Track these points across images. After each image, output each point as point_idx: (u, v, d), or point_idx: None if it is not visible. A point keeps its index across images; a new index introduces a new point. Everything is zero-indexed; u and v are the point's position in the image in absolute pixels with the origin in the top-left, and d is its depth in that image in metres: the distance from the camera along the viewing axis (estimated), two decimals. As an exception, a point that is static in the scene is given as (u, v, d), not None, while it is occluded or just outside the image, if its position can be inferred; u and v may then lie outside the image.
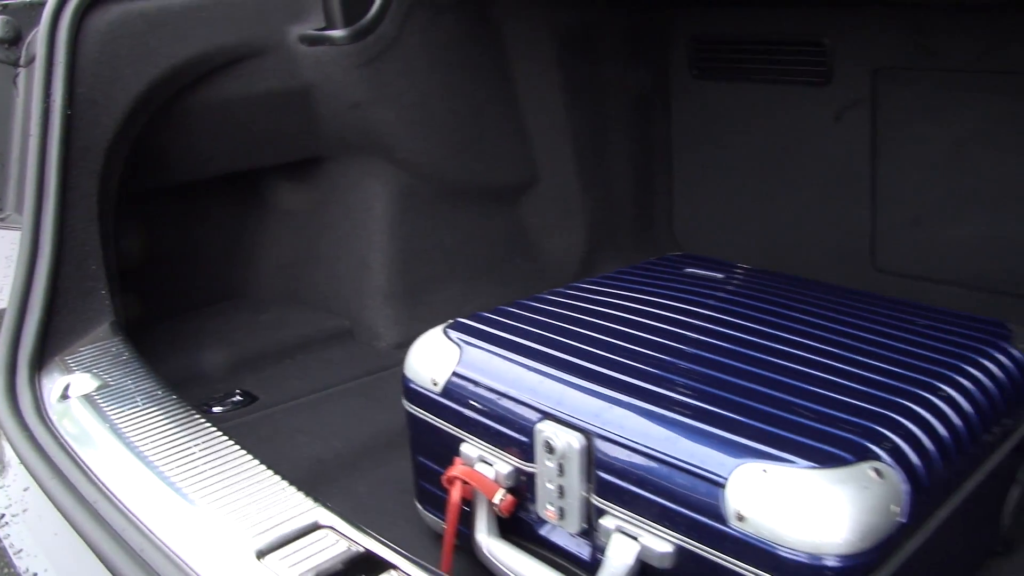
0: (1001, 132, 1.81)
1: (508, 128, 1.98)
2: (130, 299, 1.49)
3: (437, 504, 1.12)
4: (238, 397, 1.61)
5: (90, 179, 1.36)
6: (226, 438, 0.94)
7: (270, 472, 0.87)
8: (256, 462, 0.89)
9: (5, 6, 1.65)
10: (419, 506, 1.20)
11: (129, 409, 1.03)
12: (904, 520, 0.81)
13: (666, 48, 2.18)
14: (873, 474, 0.80)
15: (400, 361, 1.16)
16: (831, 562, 0.77)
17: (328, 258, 1.94)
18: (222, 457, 0.90)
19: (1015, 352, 1.08)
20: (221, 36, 1.67)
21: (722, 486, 0.81)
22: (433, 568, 0.72)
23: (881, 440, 0.84)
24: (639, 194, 2.22)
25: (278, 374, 1.73)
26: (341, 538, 0.76)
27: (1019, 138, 1.80)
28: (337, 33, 1.71)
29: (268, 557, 0.74)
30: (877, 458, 0.82)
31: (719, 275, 1.33)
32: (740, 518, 0.80)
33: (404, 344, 1.19)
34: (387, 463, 1.39)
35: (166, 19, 1.58)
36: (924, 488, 0.84)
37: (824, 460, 0.80)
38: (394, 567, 0.72)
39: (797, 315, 1.15)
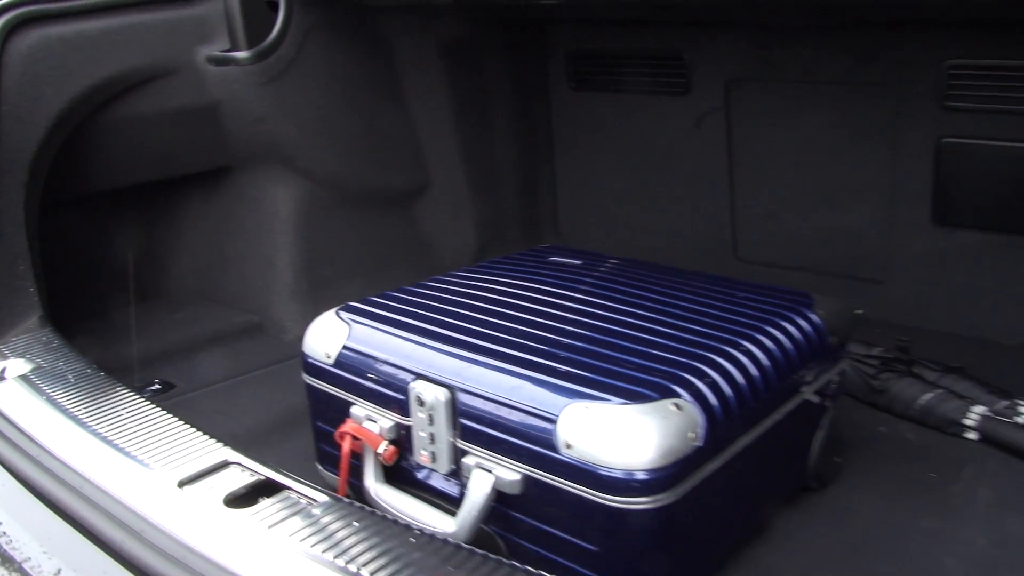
0: (836, 135, 2.06)
1: (401, 138, 2.16)
2: (54, 298, 1.64)
3: (334, 463, 1.30)
4: (157, 385, 1.77)
5: (17, 189, 1.51)
6: (148, 402, 1.11)
7: (186, 424, 1.04)
8: (174, 417, 1.05)
9: None
10: (319, 467, 1.38)
11: (62, 385, 1.18)
12: (700, 444, 1.02)
13: (545, 62, 2.39)
14: (674, 408, 1.01)
15: (291, 361, 1.35)
16: (640, 475, 0.97)
17: (238, 260, 2.09)
18: (145, 416, 1.07)
19: (813, 317, 1.30)
20: (134, 58, 1.82)
21: (554, 422, 1.01)
22: (320, 487, 0.90)
23: (683, 383, 1.05)
24: (525, 196, 2.43)
25: (193, 365, 1.88)
26: (246, 470, 0.94)
27: (851, 140, 2.04)
28: (241, 54, 1.87)
29: (187, 486, 0.91)
30: (678, 396, 1.03)
31: (578, 262, 1.54)
32: (568, 446, 1.00)
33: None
34: (293, 438, 1.56)
35: (83, 43, 1.73)
36: (719, 422, 1.05)
37: (633, 398, 1.01)
38: (288, 488, 0.90)
39: (633, 291, 1.36)
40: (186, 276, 2.13)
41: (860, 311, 1.45)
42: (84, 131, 1.74)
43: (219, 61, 1.89)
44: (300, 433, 1.48)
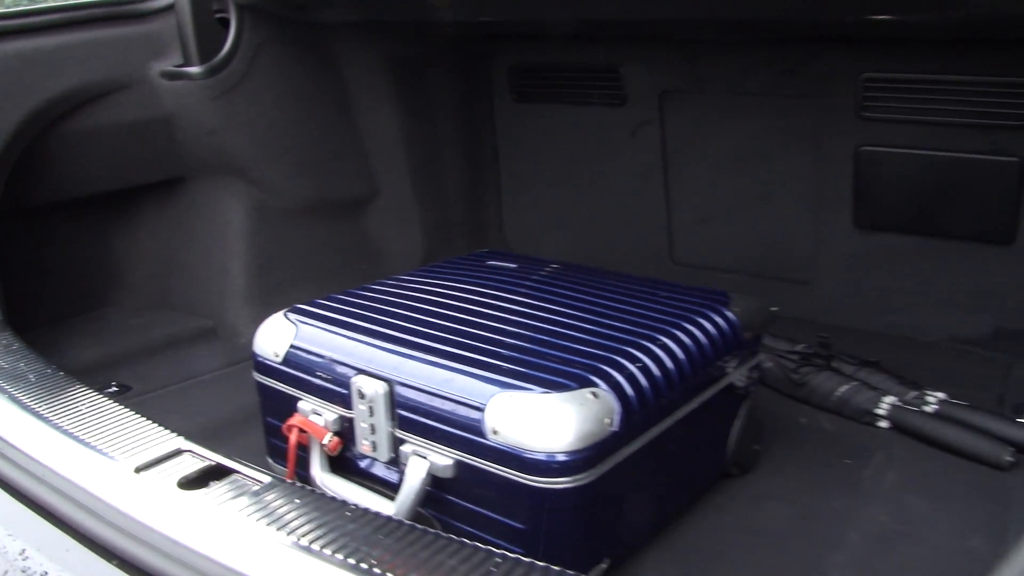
0: (763, 143, 2.18)
1: (350, 149, 2.24)
2: (13, 304, 1.70)
3: (282, 455, 1.38)
4: (114, 387, 1.84)
5: None
6: (106, 398, 1.18)
7: (142, 417, 1.12)
8: (130, 412, 1.13)
9: None
10: (269, 460, 1.46)
11: (23, 384, 1.25)
12: (616, 429, 1.12)
13: (489, 76, 2.49)
14: (591, 396, 1.11)
15: (242, 366, 1.43)
16: (560, 457, 1.07)
17: (192, 267, 2.16)
18: (102, 411, 1.14)
19: (728, 314, 1.41)
20: (90, 73, 1.89)
21: (482, 411, 1.11)
22: (266, 471, 0.99)
23: (601, 374, 1.15)
24: (470, 203, 2.53)
25: (150, 368, 1.95)
26: (198, 457, 1.02)
27: (777, 148, 2.16)
28: (194, 69, 1.95)
29: (143, 472, 0.99)
30: (596, 386, 1.13)
31: (513, 266, 1.64)
32: (495, 432, 1.09)
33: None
34: (245, 434, 1.63)
35: (40, 58, 1.79)
36: (634, 409, 1.15)
37: (554, 387, 1.10)
38: (237, 472, 0.99)
39: (562, 292, 1.46)
40: (142, 283, 2.20)
41: (775, 309, 1.56)
42: (42, 143, 1.81)
43: (172, 76, 1.97)
44: (251, 430, 1.56)
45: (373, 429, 1.23)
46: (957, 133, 1.92)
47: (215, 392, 1.84)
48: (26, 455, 1.06)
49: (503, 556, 0.81)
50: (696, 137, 2.26)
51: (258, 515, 0.89)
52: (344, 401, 1.26)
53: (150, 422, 1.10)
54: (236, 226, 2.11)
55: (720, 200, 2.28)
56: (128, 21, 1.98)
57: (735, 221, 2.28)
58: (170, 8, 1.97)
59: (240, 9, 1.97)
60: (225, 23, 2.00)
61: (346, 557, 0.81)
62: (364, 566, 0.80)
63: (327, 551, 0.82)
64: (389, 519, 0.90)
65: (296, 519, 0.88)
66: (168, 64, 1.98)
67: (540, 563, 0.81)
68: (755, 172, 2.21)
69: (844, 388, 1.75)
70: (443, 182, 2.44)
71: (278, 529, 0.86)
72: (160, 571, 0.84)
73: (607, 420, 1.11)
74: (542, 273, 1.60)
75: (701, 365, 1.31)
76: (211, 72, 1.95)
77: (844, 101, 2.01)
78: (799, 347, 1.87)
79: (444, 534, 0.87)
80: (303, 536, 0.85)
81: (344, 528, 0.86)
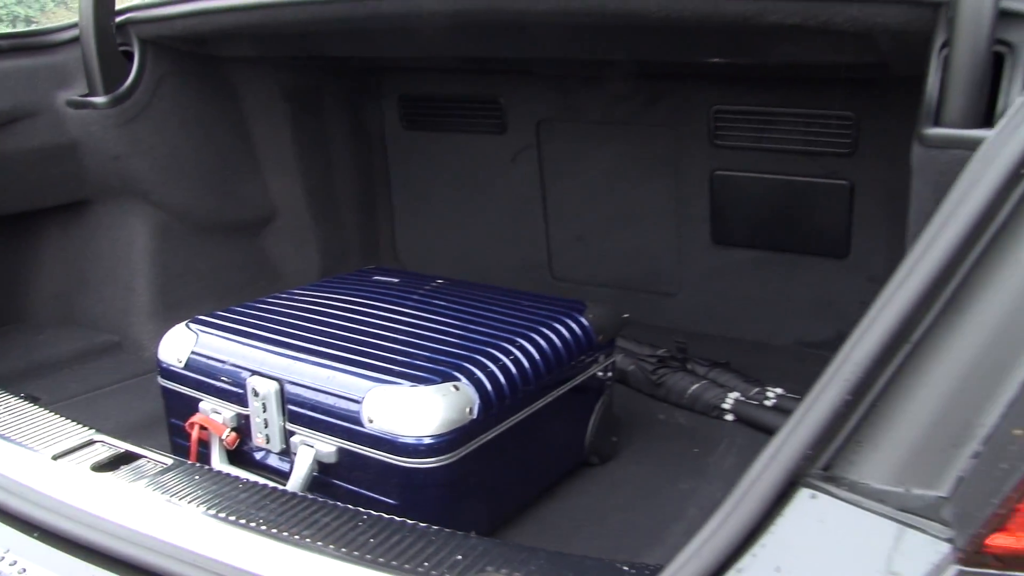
0: (630, 168, 2.39)
1: (248, 173, 2.38)
2: None
3: (186, 453, 1.53)
4: (22, 398, 1.95)
5: None
6: (21, 400, 1.32)
7: (56, 415, 1.26)
8: (44, 410, 1.27)
9: None
10: (173, 458, 1.61)
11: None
12: (475, 417, 1.30)
13: (380, 105, 2.65)
14: (453, 389, 1.29)
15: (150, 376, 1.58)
16: (426, 441, 1.25)
17: (97, 285, 2.27)
18: (18, 410, 1.28)
19: (583, 320, 1.61)
20: None
21: (360, 403, 1.28)
22: (172, 455, 1.15)
23: (463, 371, 1.34)
24: (364, 224, 2.69)
25: (57, 381, 2.05)
26: (109, 446, 1.17)
27: (643, 172, 2.38)
28: (98, 99, 2.06)
29: (60, 459, 1.14)
30: (458, 380, 1.31)
31: (396, 280, 1.82)
32: (371, 421, 1.27)
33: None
34: (150, 437, 1.75)
35: None
36: (492, 401, 1.34)
37: (421, 381, 1.29)
38: (144, 456, 1.14)
39: (437, 302, 1.65)
40: (48, 301, 2.30)
41: (627, 315, 1.76)
42: None
43: (78, 105, 2.09)
44: (156, 433, 1.69)
45: (266, 423, 1.39)
46: (796, 159, 2.16)
47: (121, 401, 1.97)
48: None
49: (368, 514, 0.99)
50: (570, 162, 2.46)
51: (163, 490, 1.05)
52: (240, 400, 1.43)
53: (63, 418, 1.25)
54: (140, 246, 2.23)
55: (594, 219, 2.49)
56: (35, 52, 2.09)
57: (607, 239, 2.49)
58: (76, 40, 2.09)
59: (143, 43, 2.10)
60: (128, 55, 2.13)
61: (238, 519, 0.97)
62: (252, 525, 0.96)
63: (222, 515, 0.99)
64: (274, 489, 1.06)
65: (196, 492, 1.04)
66: (74, 94, 2.10)
67: (398, 518, 0.98)
68: (624, 194, 2.43)
69: (696, 386, 1.97)
70: (338, 204, 2.59)
71: (179, 500, 1.02)
72: (78, 538, 0.99)
73: (468, 409, 1.30)
74: (424, 287, 1.79)
75: (556, 364, 1.51)
76: (115, 102, 2.07)
77: (698, 130, 2.24)
78: (659, 352, 2.09)
79: (320, 499, 1.04)
80: (201, 504, 1.01)
81: (236, 498, 1.03)
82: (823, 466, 0.74)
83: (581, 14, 1.53)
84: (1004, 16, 1.18)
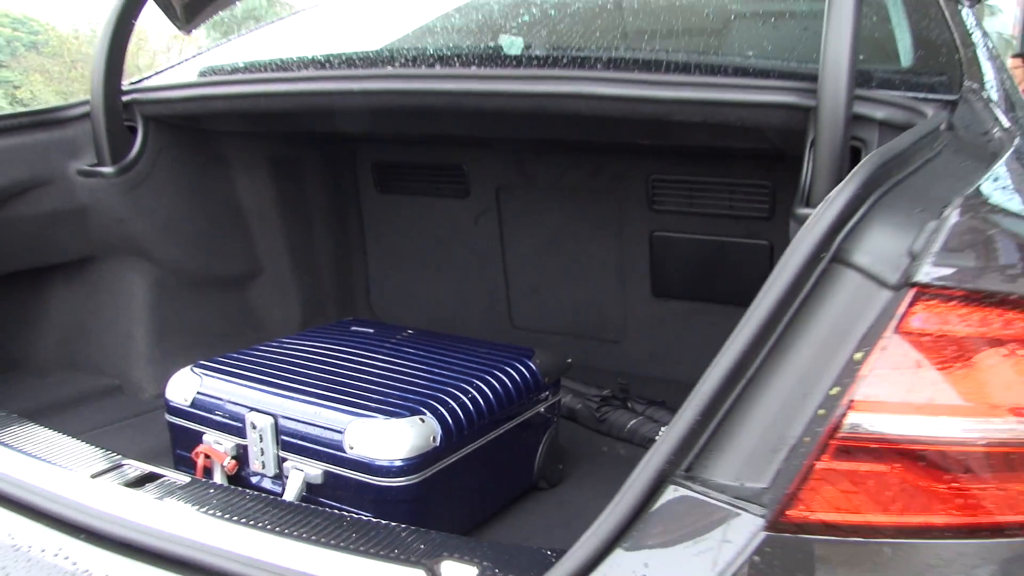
0: (579, 228, 2.68)
1: (236, 233, 2.64)
2: None
3: (189, 479, 1.79)
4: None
5: None
6: (44, 427, 1.57)
7: (85, 443, 1.51)
8: (74, 439, 1.53)
9: None
10: (177, 485, 1.86)
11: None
12: (438, 445, 1.57)
13: (355, 171, 2.93)
14: (420, 421, 1.56)
15: (159, 407, 1.84)
16: (397, 463, 1.52)
17: (99, 333, 2.51)
18: (52, 439, 1.54)
19: (530, 364, 1.89)
20: (15, 172, 2.24)
21: (342, 433, 1.55)
22: (188, 471, 1.40)
23: (427, 406, 1.61)
24: (341, 279, 2.95)
25: (64, 420, 2.28)
26: (136, 468, 1.43)
27: (590, 233, 2.66)
28: (106, 169, 2.32)
29: (97, 477, 1.39)
30: (423, 414, 1.58)
31: (371, 330, 2.09)
32: (351, 448, 1.53)
33: (162, 395, 1.85)
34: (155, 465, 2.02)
35: None
36: (452, 431, 1.61)
37: (392, 415, 1.56)
38: (165, 476, 1.40)
39: (408, 349, 1.92)
40: (53, 347, 2.53)
41: (570, 360, 2.04)
42: None
43: (87, 174, 2.34)
44: (161, 463, 1.94)
45: (262, 452, 1.65)
46: (723, 222, 2.46)
47: (125, 436, 2.20)
48: (32, 487, 1.44)
49: (350, 516, 1.26)
50: (526, 223, 2.75)
51: (185, 499, 1.31)
52: (240, 432, 1.69)
53: (92, 446, 1.51)
54: (139, 298, 2.48)
55: (548, 274, 2.78)
56: (50, 127, 2.35)
57: (560, 291, 2.77)
58: (86, 116, 2.35)
59: (145, 120, 2.36)
60: (132, 130, 2.39)
61: (248, 520, 1.24)
62: (260, 525, 1.23)
63: (235, 518, 1.25)
64: (275, 499, 1.33)
65: (212, 501, 1.31)
66: (83, 164, 2.35)
67: (374, 519, 1.25)
68: (574, 251, 2.71)
69: (633, 421, 2.25)
70: (317, 261, 2.86)
71: (200, 507, 1.28)
72: (120, 538, 1.24)
73: (432, 438, 1.57)
74: (395, 336, 2.06)
75: (507, 401, 1.78)
76: (121, 171, 2.32)
77: (638, 196, 2.54)
78: (603, 392, 2.37)
79: (312, 507, 1.31)
80: (218, 510, 1.27)
81: (245, 505, 1.29)
82: (685, 468, 1.01)
83: (525, 111, 1.83)
84: (857, 119, 1.49)
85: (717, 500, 0.97)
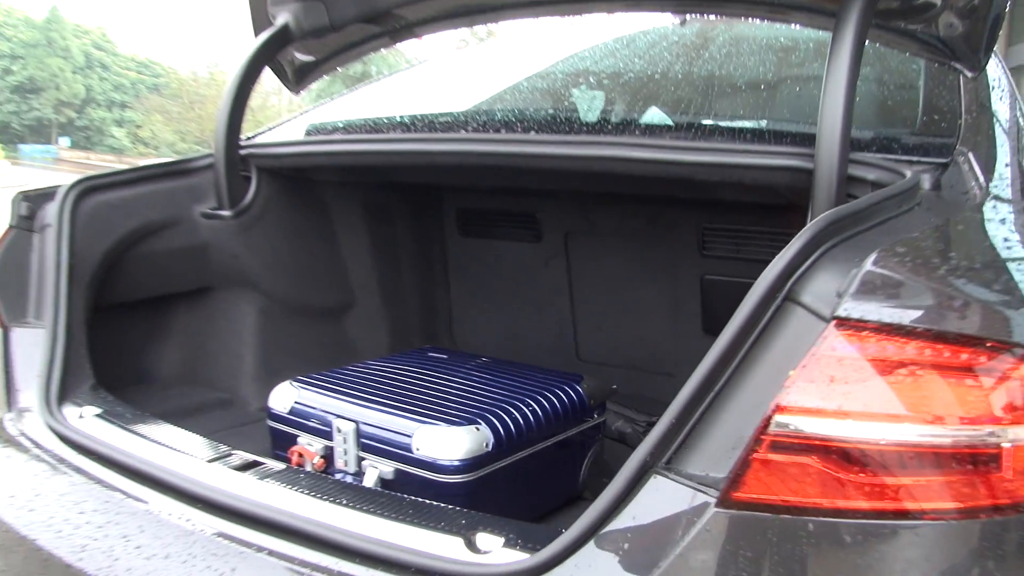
0: (637, 271, 2.97)
1: (333, 270, 3.00)
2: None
3: (285, 475, 2.12)
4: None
5: (80, 300, 2.31)
6: (178, 427, 1.92)
7: (203, 438, 1.86)
8: (194, 435, 1.87)
9: (26, 193, 2.58)
10: (275, 480, 2.20)
11: (124, 419, 1.99)
12: (490, 450, 1.88)
13: (440, 216, 3.28)
14: (475, 429, 1.87)
15: (263, 418, 2.19)
16: (455, 463, 1.82)
17: (214, 353, 2.88)
18: (174, 433, 1.89)
19: (578, 388, 2.18)
20: (151, 214, 2.64)
21: (411, 437, 1.87)
22: (285, 464, 1.73)
23: (483, 418, 1.91)
24: (425, 312, 3.29)
25: (183, 426, 2.66)
26: (242, 457, 1.76)
27: (647, 276, 2.95)
28: (225, 213, 2.70)
29: (213, 462, 1.73)
30: (479, 424, 1.89)
31: (445, 356, 2.41)
32: (418, 449, 1.85)
33: (266, 407, 2.20)
34: (256, 468, 2.37)
35: (121, 204, 2.55)
36: (501, 440, 1.91)
37: (453, 423, 1.87)
38: (264, 464, 1.73)
39: (474, 372, 2.23)
40: (175, 365, 2.91)
41: (615, 387, 2.32)
42: (120, 262, 2.56)
43: (209, 216, 2.72)
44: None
45: (345, 452, 1.98)
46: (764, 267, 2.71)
47: (233, 441, 2.53)
48: (143, 459, 1.79)
49: (411, 498, 1.57)
50: (591, 266, 3.05)
51: (282, 482, 1.64)
52: (327, 436, 2.02)
53: (208, 440, 1.86)
54: (248, 324, 2.84)
55: (610, 313, 3.06)
56: (180, 176, 2.74)
57: (620, 328, 3.05)
58: (210, 167, 2.75)
59: (259, 171, 2.74)
60: (248, 179, 2.78)
61: (331, 498, 1.56)
62: (341, 501, 1.55)
63: (321, 496, 1.57)
64: (350, 483, 1.65)
65: (303, 484, 1.63)
66: (206, 207, 2.73)
67: (429, 501, 1.56)
68: (633, 292, 3.00)
69: (676, 446, 2.51)
70: (404, 295, 3.20)
71: (294, 487, 1.61)
72: (231, 507, 1.58)
73: (485, 444, 1.87)
74: (464, 362, 2.38)
75: (553, 418, 2.08)
76: (237, 215, 2.71)
77: (690, 243, 2.81)
78: (652, 419, 2.63)
79: (380, 490, 1.62)
80: (308, 489, 1.60)
81: (329, 487, 1.61)
82: (665, 461, 1.30)
83: (580, 170, 2.15)
84: (852, 179, 1.76)
85: (685, 485, 1.25)
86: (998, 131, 2.17)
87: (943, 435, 1.18)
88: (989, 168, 1.95)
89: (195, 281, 2.80)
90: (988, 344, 1.20)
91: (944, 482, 1.18)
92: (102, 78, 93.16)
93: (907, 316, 1.19)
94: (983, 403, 1.18)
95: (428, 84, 3.42)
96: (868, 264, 1.23)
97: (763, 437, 1.20)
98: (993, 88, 2.41)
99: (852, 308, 1.20)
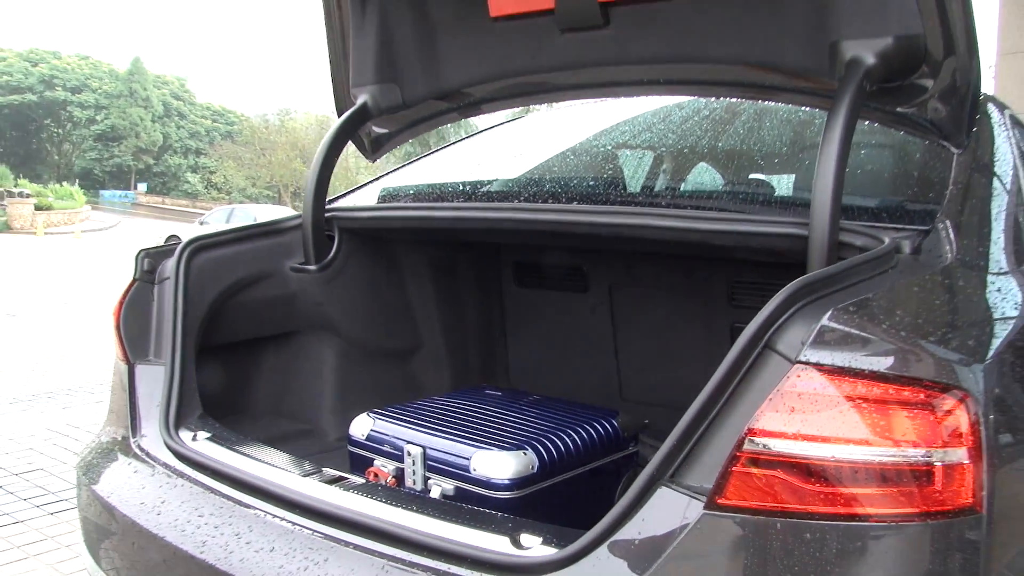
0: (674, 320, 3.30)
1: (403, 317, 3.38)
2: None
3: (362, 493, 2.49)
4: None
5: (191, 342, 2.73)
6: (279, 452, 2.31)
7: (297, 458, 2.24)
8: (290, 456, 2.26)
9: (147, 250, 3.01)
10: (354, 498, 2.58)
11: (231, 441, 2.38)
12: (535, 472, 2.23)
13: (498, 269, 3.65)
14: (523, 454, 2.22)
15: (341, 447, 2.57)
16: (506, 482, 2.18)
17: (298, 389, 3.27)
18: (274, 454, 2.27)
19: (614, 422, 2.52)
20: (248, 269, 3.03)
21: (469, 460, 2.23)
22: (362, 479, 2.11)
23: (530, 444, 2.27)
24: (485, 354, 3.65)
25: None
26: (332, 473, 2.14)
27: (683, 323, 3.28)
28: (311, 267, 3.09)
29: (307, 477, 2.11)
30: (526, 449, 2.24)
31: (500, 393, 2.77)
32: (475, 469, 2.21)
33: (341, 438, 2.57)
34: (336, 489, 2.74)
35: (226, 260, 2.94)
36: (545, 463, 2.26)
37: (504, 448, 2.22)
38: (349, 478, 2.11)
39: (523, 407, 2.59)
40: (263, 399, 3.29)
41: (647, 421, 2.66)
42: (222, 309, 2.97)
43: (297, 270, 3.12)
44: (341, 486, 2.66)
45: (414, 472, 2.35)
46: None
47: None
48: (250, 472, 2.17)
49: (469, 506, 1.92)
50: (633, 314, 3.39)
51: (363, 493, 2.01)
52: (399, 459, 2.39)
53: (302, 460, 2.24)
54: (329, 364, 3.23)
55: (650, 356, 3.39)
56: (273, 235, 3.13)
57: (659, 371, 3.38)
58: (298, 227, 3.16)
59: (341, 231, 3.15)
60: (331, 238, 3.19)
61: (399, 504, 1.92)
62: (407, 507, 1.91)
63: (391, 502, 1.93)
64: (418, 494, 2.01)
65: (378, 493, 2.00)
66: (295, 262, 3.11)
67: (481, 509, 1.92)
68: (671, 338, 3.33)
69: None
70: (466, 340, 3.57)
71: (372, 496, 1.98)
72: (319, 510, 1.95)
73: (531, 466, 2.22)
74: (516, 398, 2.74)
75: (591, 447, 2.42)
76: (322, 269, 3.10)
77: (721, 294, 3.14)
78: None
79: (442, 500, 1.98)
80: (383, 498, 1.96)
81: (397, 496, 1.98)
82: (670, 476, 1.64)
83: (614, 234, 2.51)
84: (843, 244, 2.08)
85: (683, 494, 1.59)
86: (987, 200, 2.48)
87: (884, 455, 1.50)
88: (968, 234, 2.26)
89: (284, 326, 3.20)
90: (922, 383, 1.53)
91: (886, 493, 1.50)
92: (179, 126, 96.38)
93: (853, 360, 1.52)
94: (917, 430, 1.51)
95: (491, 149, 3.82)
96: (824, 319, 1.57)
97: (739, 454, 1.53)
98: (991, 159, 2.71)
99: (810, 354, 1.54)
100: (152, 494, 2.25)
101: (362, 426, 2.52)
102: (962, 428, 1.52)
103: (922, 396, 1.51)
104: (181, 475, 2.28)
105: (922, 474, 1.51)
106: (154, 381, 2.62)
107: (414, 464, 2.35)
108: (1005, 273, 2.22)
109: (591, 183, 3.02)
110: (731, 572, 1.55)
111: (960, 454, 1.51)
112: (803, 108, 3.11)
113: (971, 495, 1.52)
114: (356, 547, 1.85)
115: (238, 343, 3.10)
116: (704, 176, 2.99)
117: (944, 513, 1.51)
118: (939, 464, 1.51)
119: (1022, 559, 1.67)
